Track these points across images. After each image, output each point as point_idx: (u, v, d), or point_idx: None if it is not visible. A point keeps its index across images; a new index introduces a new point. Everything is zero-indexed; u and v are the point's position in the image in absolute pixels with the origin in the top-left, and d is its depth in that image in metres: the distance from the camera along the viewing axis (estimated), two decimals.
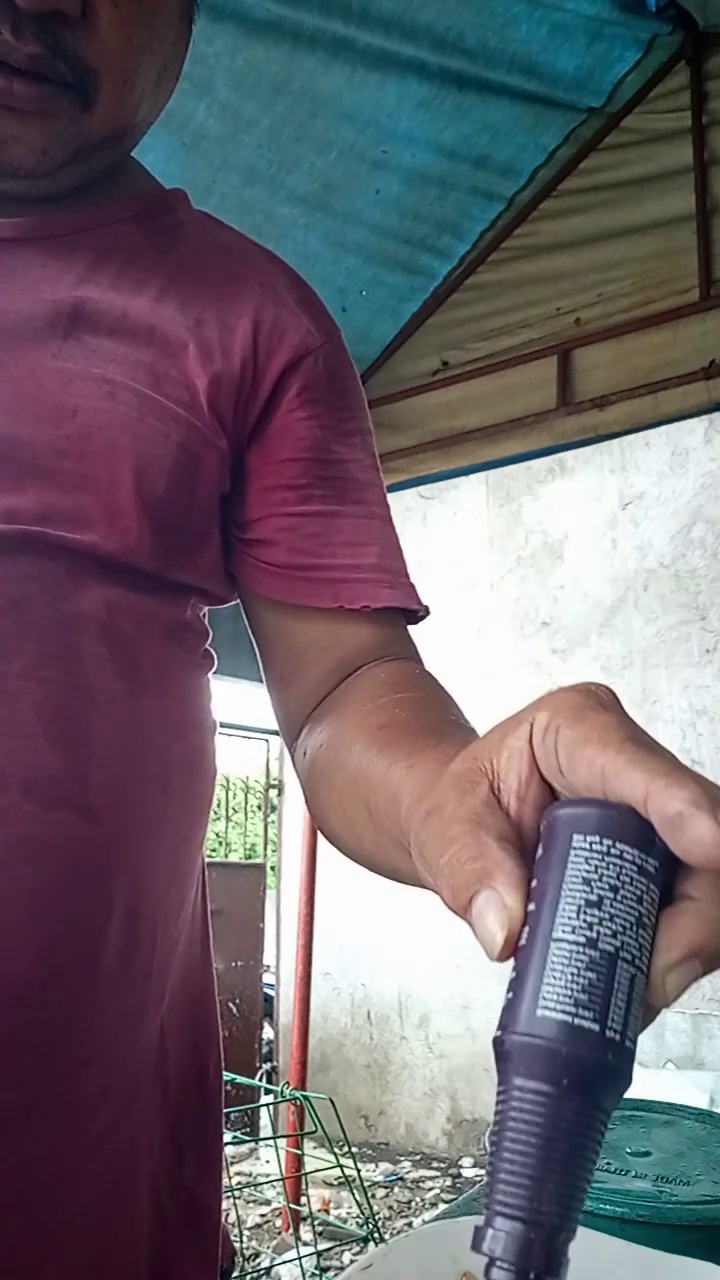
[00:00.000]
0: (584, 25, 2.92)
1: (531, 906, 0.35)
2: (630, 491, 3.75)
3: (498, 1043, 0.34)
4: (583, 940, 0.33)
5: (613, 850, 0.34)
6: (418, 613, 0.70)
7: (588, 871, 0.34)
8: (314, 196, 3.11)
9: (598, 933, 0.33)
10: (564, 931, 0.33)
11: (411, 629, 0.72)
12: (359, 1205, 2.65)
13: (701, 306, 3.18)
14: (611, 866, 0.34)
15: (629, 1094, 0.77)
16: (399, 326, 3.77)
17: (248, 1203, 3.41)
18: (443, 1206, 3.00)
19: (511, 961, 0.35)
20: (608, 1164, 0.68)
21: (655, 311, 3.28)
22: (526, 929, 0.34)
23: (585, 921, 0.33)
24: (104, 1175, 0.58)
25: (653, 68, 3.20)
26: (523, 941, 0.34)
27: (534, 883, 0.35)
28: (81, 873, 0.56)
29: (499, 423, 3.56)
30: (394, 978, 4.12)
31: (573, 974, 0.33)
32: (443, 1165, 3.80)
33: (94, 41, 0.59)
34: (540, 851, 0.36)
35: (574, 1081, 0.32)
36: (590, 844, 0.34)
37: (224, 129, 2.81)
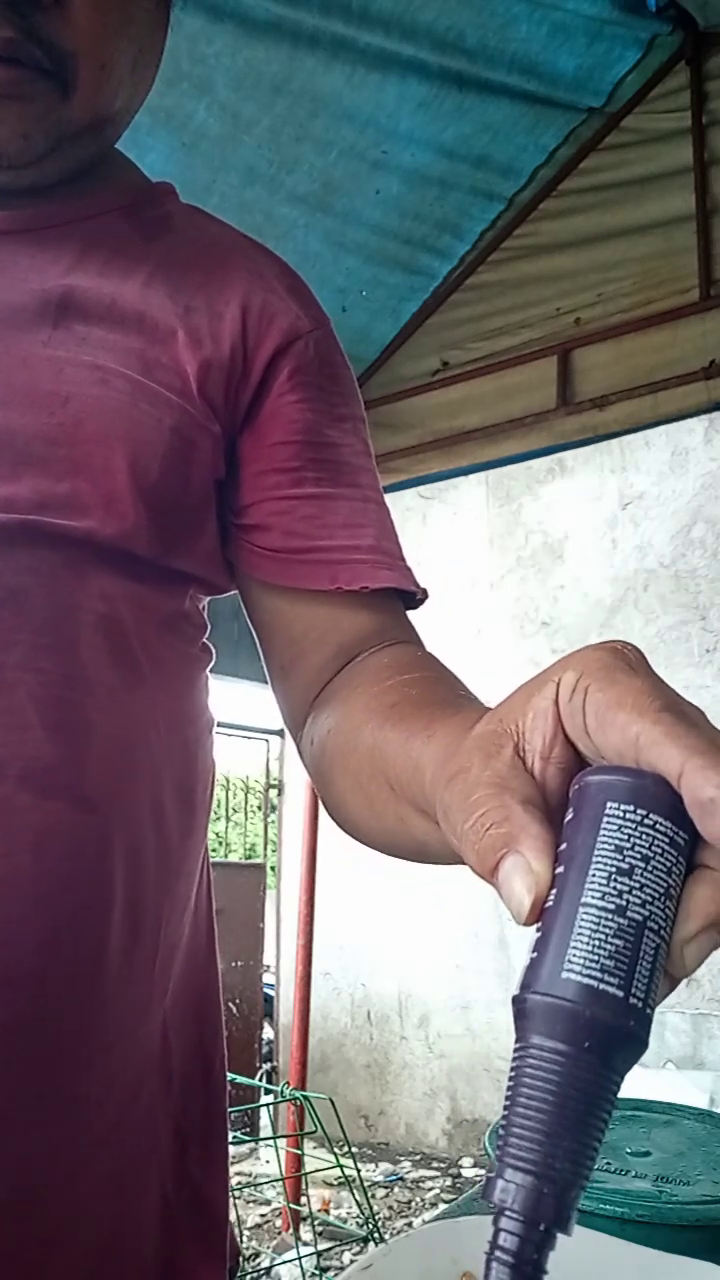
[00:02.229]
0: (584, 25, 2.92)
1: (560, 869, 0.35)
2: (630, 491, 3.75)
3: (518, 1001, 0.34)
4: (612, 907, 0.33)
5: (646, 821, 0.34)
6: (415, 595, 0.69)
7: (620, 840, 0.34)
8: (314, 196, 3.11)
9: (627, 901, 0.33)
10: (593, 897, 0.34)
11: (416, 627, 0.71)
12: (359, 1205, 2.65)
13: (701, 306, 3.17)
14: (645, 837, 0.34)
15: (629, 1094, 0.77)
16: (399, 326, 3.77)
17: (248, 1203, 3.41)
18: (443, 1206, 2.99)
19: (534, 933, 0.35)
20: (608, 1164, 0.68)
21: (655, 311, 3.28)
22: (554, 891, 0.35)
23: (615, 889, 0.34)
24: (110, 1170, 0.59)
25: (653, 68, 3.20)
26: (549, 903, 0.35)
27: (563, 846, 0.35)
28: (81, 863, 0.56)
29: (499, 423, 3.56)
30: (394, 978, 4.12)
31: (600, 940, 0.33)
32: (443, 1165, 3.80)
33: (68, 25, 0.60)
34: (571, 815, 0.36)
35: (595, 1045, 0.32)
36: (624, 813, 0.34)
37: (224, 129, 2.81)
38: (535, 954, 0.34)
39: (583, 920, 0.33)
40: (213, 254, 0.70)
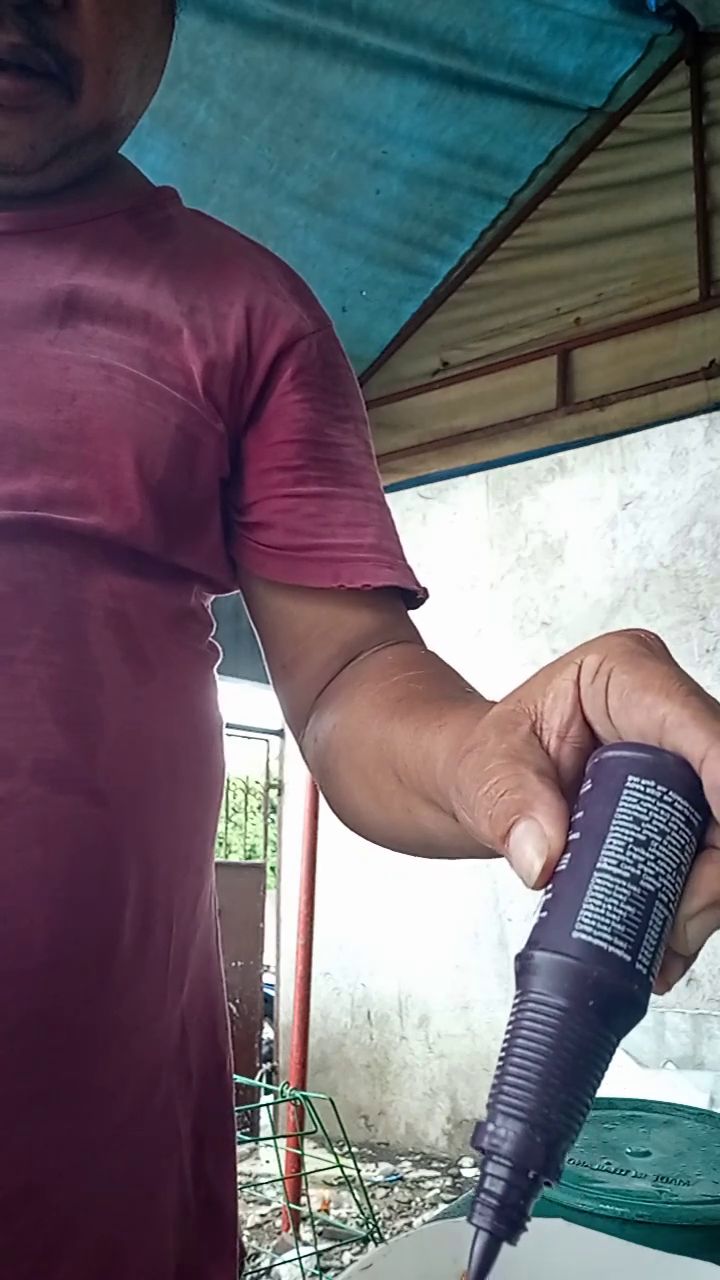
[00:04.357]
0: (584, 25, 2.92)
1: (575, 836, 0.36)
2: (630, 491, 3.74)
3: (524, 957, 0.35)
4: (627, 875, 0.34)
5: (665, 797, 0.35)
6: (416, 594, 0.70)
7: (639, 813, 0.35)
8: (314, 197, 3.11)
9: (641, 871, 0.34)
10: (609, 864, 0.34)
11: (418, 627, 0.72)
12: (359, 1205, 2.65)
13: (701, 306, 3.18)
14: (663, 812, 0.35)
15: (629, 1094, 0.76)
16: (399, 326, 3.77)
17: (248, 1203, 3.41)
18: (443, 1206, 2.99)
19: (542, 895, 0.36)
20: (608, 1164, 0.68)
21: (655, 311, 3.28)
22: (568, 856, 0.36)
23: (631, 858, 0.34)
24: (127, 1164, 0.59)
25: (653, 68, 3.20)
26: (562, 867, 0.36)
27: (579, 815, 0.36)
28: (92, 856, 0.57)
29: (499, 423, 3.56)
30: (394, 978, 4.12)
31: (613, 905, 0.34)
32: (443, 1165, 3.80)
33: (75, 29, 0.60)
34: (589, 786, 0.37)
35: (598, 1004, 0.33)
36: (644, 787, 0.35)
37: (224, 129, 2.81)
38: (545, 914, 0.35)
39: (597, 885, 0.34)
40: (216, 256, 0.71)
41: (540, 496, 3.98)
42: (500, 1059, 0.34)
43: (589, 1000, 0.33)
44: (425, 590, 0.70)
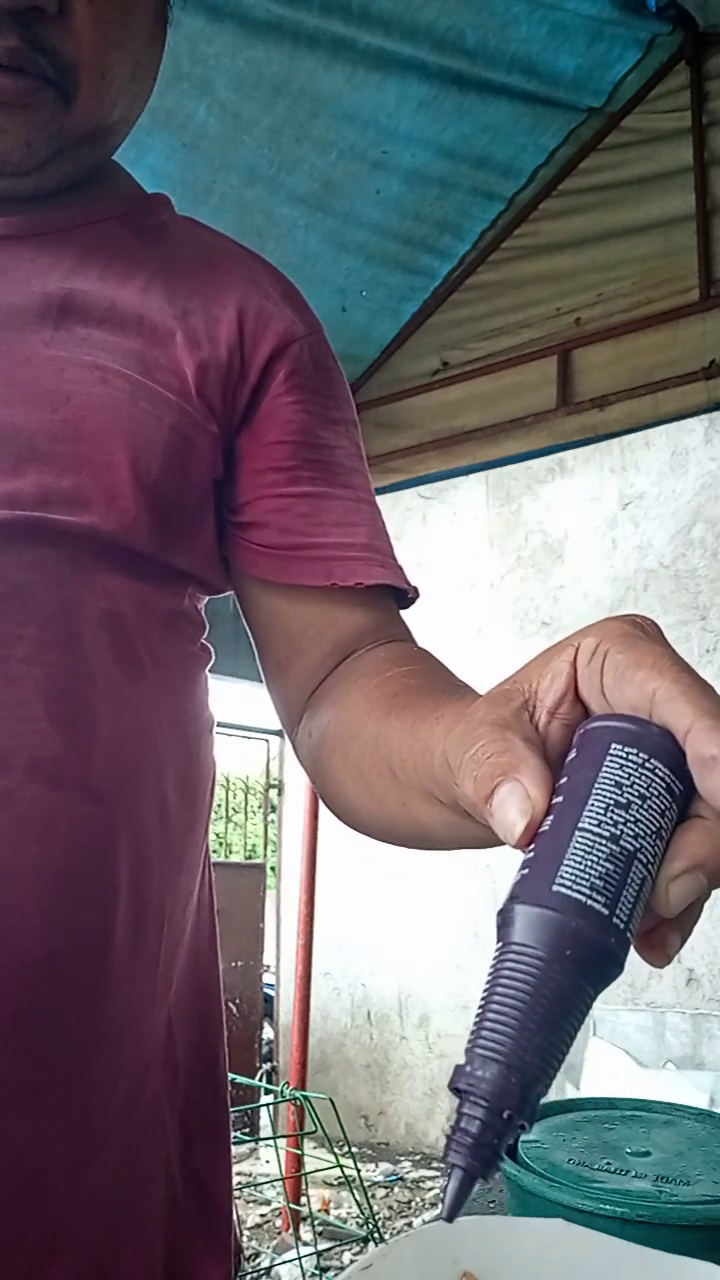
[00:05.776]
0: (584, 25, 2.92)
1: (559, 799, 0.37)
2: (630, 491, 3.75)
3: (504, 912, 0.36)
4: (607, 835, 0.35)
5: (648, 764, 0.36)
6: (407, 594, 0.71)
7: (621, 777, 0.36)
8: (314, 197, 3.11)
9: (621, 831, 0.35)
10: (590, 823, 0.36)
11: (410, 627, 0.72)
12: (359, 1205, 2.65)
13: (701, 306, 3.17)
14: (644, 778, 0.36)
15: (629, 1094, 0.76)
16: (399, 326, 3.77)
17: (248, 1203, 3.41)
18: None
19: (524, 855, 0.37)
20: (608, 1164, 0.68)
21: (655, 311, 3.28)
22: (550, 818, 0.37)
23: (611, 819, 0.36)
24: (117, 1161, 0.59)
25: (653, 68, 3.20)
26: (545, 828, 0.37)
27: (563, 780, 0.37)
28: (87, 853, 0.57)
29: (499, 423, 3.56)
30: (394, 978, 4.12)
31: (592, 861, 0.35)
32: (443, 1165, 3.80)
33: (70, 36, 0.62)
34: (574, 754, 0.38)
35: (575, 954, 0.34)
36: (627, 754, 0.37)
37: (224, 129, 2.81)
38: (526, 870, 0.36)
39: (577, 842, 0.35)
40: (209, 260, 0.72)
41: (540, 496, 3.98)
42: (479, 1007, 0.35)
43: (566, 950, 0.34)
44: (416, 590, 0.71)
